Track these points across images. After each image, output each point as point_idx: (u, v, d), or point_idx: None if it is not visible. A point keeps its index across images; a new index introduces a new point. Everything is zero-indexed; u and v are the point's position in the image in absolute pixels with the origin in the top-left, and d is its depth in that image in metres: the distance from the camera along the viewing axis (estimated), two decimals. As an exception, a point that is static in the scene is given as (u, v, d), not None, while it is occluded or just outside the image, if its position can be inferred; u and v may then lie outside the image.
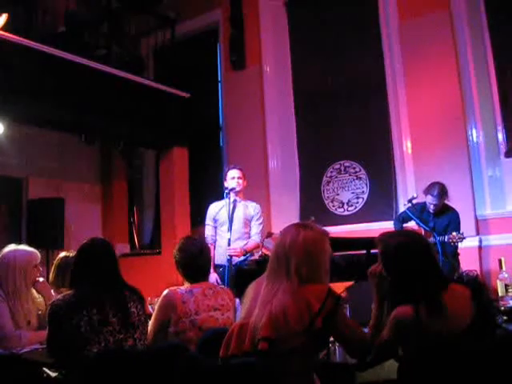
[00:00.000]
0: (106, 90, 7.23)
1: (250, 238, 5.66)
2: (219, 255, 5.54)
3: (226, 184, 5.67)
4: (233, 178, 5.63)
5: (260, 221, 5.72)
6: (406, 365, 2.21)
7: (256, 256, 5.54)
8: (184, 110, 8.35)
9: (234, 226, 5.41)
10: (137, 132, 7.93)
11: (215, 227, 5.70)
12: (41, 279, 3.92)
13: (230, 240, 5.31)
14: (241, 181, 5.63)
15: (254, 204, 5.77)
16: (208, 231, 5.73)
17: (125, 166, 9.45)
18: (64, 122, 7.10)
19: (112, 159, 9.31)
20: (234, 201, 5.55)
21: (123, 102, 7.41)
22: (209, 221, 5.75)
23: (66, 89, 6.63)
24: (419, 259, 2.47)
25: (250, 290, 2.56)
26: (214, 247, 5.61)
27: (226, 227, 5.43)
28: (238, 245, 5.43)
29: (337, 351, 2.81)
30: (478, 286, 2.46)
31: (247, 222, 5.66)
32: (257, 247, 5.56)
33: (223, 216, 5.55)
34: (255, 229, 5.68)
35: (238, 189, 5.58)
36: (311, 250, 2.46)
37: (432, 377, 2.12)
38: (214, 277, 5.38)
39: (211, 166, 8.79)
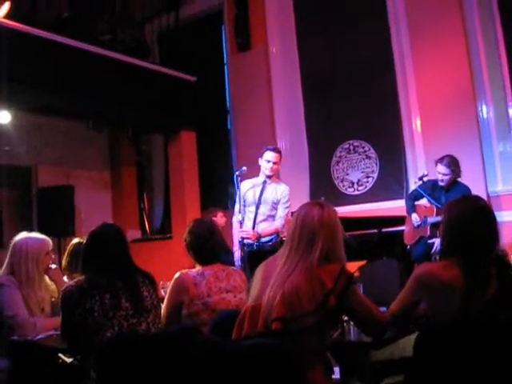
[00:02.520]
0: (111, 75, 7.21)
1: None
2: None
3: (259, 162, 5.41)
4: (268, 162, 5.34)
5: (287, 204, 5.41)
6: (422, 341, 2.20)
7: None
8: (191, 93, 8.32)
9: (260, 208, 5.30)
10: (144, 117, 7.92)
11: (244, 206, 5.43)
12: (53, 266, 3.94)
13: (243, 222, 5.25)
14: (275, 166, 5.35)
15: (283, 186, 5.48)
16: (237, 208, 5.47)
17: (133, 152, 9.47)
18: (70, 109, 7.10)
19: (120, 145, 9.32)
20: (264, 182, 5.38)
21: (129, 88, 7.39)
22: (239, 198, 5.44)
23: (72, 76, 6.61)
24: (489, 226, 2.47)
25: (261, 271, 2.54)
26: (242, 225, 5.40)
27: (252, 208, 5.33)
28: (262, 227, 5.31)
29: (351, 330, 2.80)
30: (506, 266, 2.43)
31: (274, 206, 5.40)
32: (275, 232, 5.33)
33: (250, 196, 5.39)
34: (280, 212, 5.39)
35: (270, 174, 5.34)
36: (335, 228, 2.46)
37: (449, 353, 2.11)
38: (237, 255, 5.28)
39: (220, 150, 8.78)
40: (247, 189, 5.43)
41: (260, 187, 5.35)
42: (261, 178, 5.40)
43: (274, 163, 5.34)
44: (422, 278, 2.43)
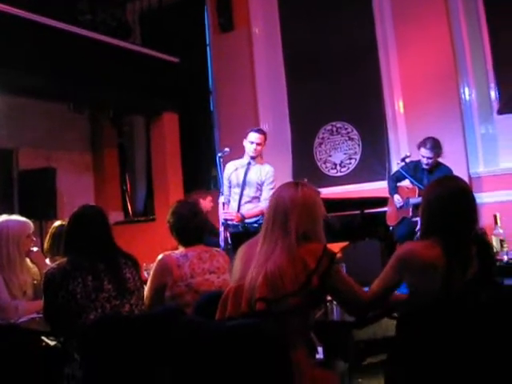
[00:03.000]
0: (92, 56, 7.13)
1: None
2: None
3: (244, 143, 5.37)
4: (252, 143, 5.29)
5: (271, 185, 5.31)
6: (404, 320, 2.22)
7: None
8: (173, 74, 8.26)
9: (245, 189, 5.28)
10: (125, 98, 7.86)
11: (229, 187, 5.42)
12: (35, 249, 3.90)
13: (227, 203, 5.26)
14: (259, 147, 5.29)
15: (267, 167, 5.42)
16: (223, 190, 5.43)
17: (115, 134, 9.39)
18: (50, 90, 7.02)
19: (102, 127, 9.24)
20: (249, 163, 5.34)
21: (110, 69, 7.32)
22: (224, 180, 5.41)
23: (52, 56, 6.54)
24: (469, 206, 2.49)
25: (242, 252, 2.53)
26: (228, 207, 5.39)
27: (237, 190, 5.31)
28: (246, 208, 5.28)
29: (334, 310, 2.82)
30: (485, 245, 2.45)
31: (259, 187, 5.35)
32: (260, 214, 5.22)
33: (235, 178, 5.36)
34: (265, 193, 5.30)
35: (254, 155, 5.30)
36: (310, 207, 2.43)
37: (431, 332, 2.13)
38: (222, 236, 5.20)
39: (202, 131, 8.74)
40: (231, 171, 5.41)
41: (244, 168, 5.33)
42: (245, 160, 5.38)
43: (258, 144, 5.30)
44: (403, 257, 2.44)
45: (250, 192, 5.33)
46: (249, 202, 5.33)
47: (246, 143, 5.36)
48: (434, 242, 2.40)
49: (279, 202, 2.46)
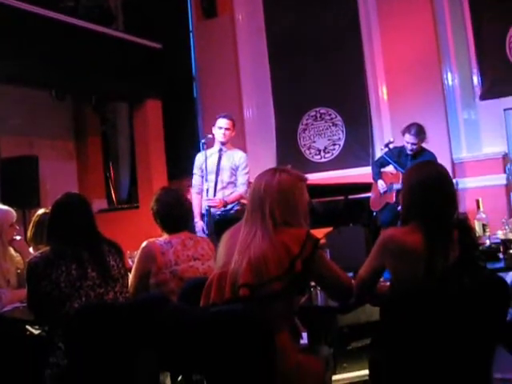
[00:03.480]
0: (74, 43, 7.05)
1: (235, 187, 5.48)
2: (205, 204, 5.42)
3: (213, 131, 5.48)
4: (220, 128, 5.40)
5: (246, 170, 5.46)
6: (388, 306, 2.23)
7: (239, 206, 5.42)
8: (156, 61, 8.20)
9: (219, 176, 5.35)
10: (108, 85, 7.80)
11: (202, 176, 5.48)
12: (18, 237, 3.88)
13: (207, 191, 5.29)
14: (228, 132, 5.40)
15: (240, 153, 5.55)
16: (195, 180, 5.57)
17: (98, 121, 9.31)
18: (31, 77, 6.94)
19: (84, 114, 9.15)
20: (220, 150, 5.42)
21: (93, 55, 7.25)
22: (196, 170, 5.56)
23: (33, 43, 6.46)
24: (448, 190, 2.51)
25: (226, 239, 2.54)
26: (202, 196, 5.46)
27: (212, 176, 5.36)
28: (223, 195, 5.36)
29: (318, 295, 2.83)
30: (467, 229, 2.46)
31: (233, 172, 5.45)
32: (240, 198, 5.38)
33: (209, 165, 5.40)
34: (241, 179, 5.44)
35: (223, 140, 5.41)
36: (286, 193, 2.44)
37: (414, 317, 2.15)
38: (200, 225, 5.35)
39: (186, 118, 8.70)
40: (202, 160, 5.48)
41: (217, 155, 5.40)
42: (216, 147, 5.47)
43: (227, 129, 5.40)
44: (384, 242, 2.45)
45: (224, 177, 5.42)
46: (224, 188, 5.41)
47: (215, 130, 5.48)
48: (414, 228, 2.41)
49: (256, 189, 2.48)
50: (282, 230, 2.37)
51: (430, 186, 2.47)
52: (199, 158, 5.55)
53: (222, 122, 5.41)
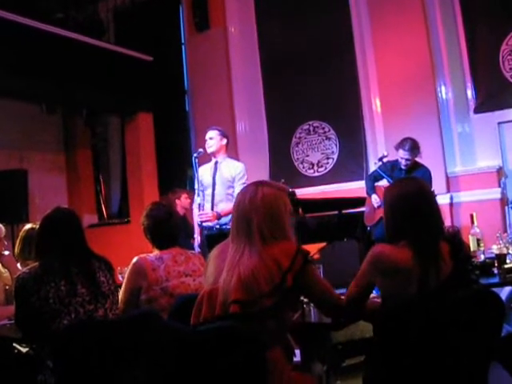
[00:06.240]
0: (64, 55, 7.07)
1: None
2: None
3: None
4: (206, 141, 5.47)
5: (242, 180, 5.38)
6: (381, 322, 2.23)
7: None
8: (147, 74, 8.23)
9: (216, 188, 5.34)
10: (99, 98, 7.81)
11: (202, 191, 5.45)
12: (6, 253, 3.86)
13: (200, 206, 5.27)
14: (212, 141, 5.41)
15: (236, 164, 5.54)
16: (195, 195, 5.54)
17: (89, 135, 9.31)
18: (21, 90, 6.93)
19: (75, 128, 9.16)
20: (216, 162, 5.42)
21: (84, 68, 7.27)
22: (196, 185, 5.51)
23: (22, 55, 6.47)
24: (432, 205, 2.50)
25: (215, 254, 2.53)
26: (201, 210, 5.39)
27: (209, 191, 5.37)
28: (220, 207, 5.32)
29: (312, 311, 2.82)
30: (458, 242, 2.46)
31: (230, 184, 5.41)
32: None
33: (206, 179, 5.42)
34: (237, 190, 5.13)
35: (210, 150, 5.43)
36: (271, 207, 2.43)
37: (408, 334, 2.15)
38: (197, 241, 5.37)
39: (178, 132, 8.72)
40: (203, 172, 5.48)
41: (212, 168, 5.39)
42: (212, 161, 5.45)
43: (210, 139, 5.43)
44: (375, 260, 2.44)
45: (221, 190, 5.40)
46: (221, 200, 5.37)
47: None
48: (403, 245, 2.40)
49: (240, 206, 2.47)
50: (272, 245, 2.37)
51: (409, 202, 2.46)
52: (199, 172, 5.51)
53: (207, 134, 5.48)
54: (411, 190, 2.50)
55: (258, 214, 2.41)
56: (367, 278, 2.46)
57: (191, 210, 6.17)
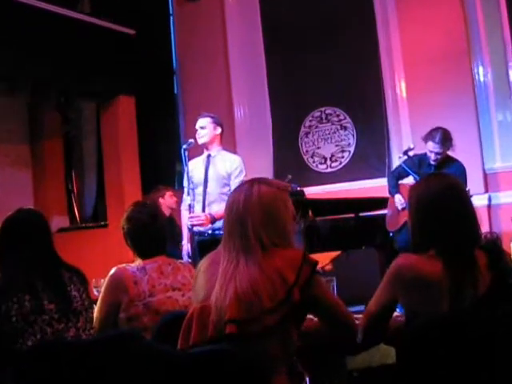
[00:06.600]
0: (32, 28, 7.07)
1: None
2: None
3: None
4: (196, 130, 5.47)
5: (240, 177, 5.35)
6: (406, 346, 2.23)
7: None
8: (129, 50, 8.23)
9: (208, 186, 5.35)
10: (71, 78, 7.82)
11: (192, 189, 5.45)
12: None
13: (190, 207, 5.27)
14: (204, 131, 5.42)
15: (232, 157, 5.54)
16: (185, 194, 5.49)
17: (59, 122, 9.31)
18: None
19: (42, 114, 9.15)
20: (208, 156, 5.44)
21: (54, 43, 7.27)
22: (185, 182, 5.48)
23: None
24: (466, 207, 2.49)
25: (205, 265, 2.53)
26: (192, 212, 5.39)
27: (200, 189, 5.38)
28: (213, 209, 5.32)
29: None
30: (497, 251, 2.46)
31: (225, 181, 5.42)
32: None
33: (197, 175, 5.44)
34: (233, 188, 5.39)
35: (201, 141, 5.44)
36: (269, 209, 2.43)
37: (438, 360, 2.15)
38: (186, 249, 5.40)
39: (164, 119, 8.73)
40: (193, 167, 5.47)
41: (204, 163, 5.39)
42: (204, 154, 5.45)
43: (202, 128, 5.43)
44: (398, 272, 2.43)
45: (214, 189, 5.39)
46: (214, 201, 5.35)
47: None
48: (433, 255, 2.40)
49: (233, 208, 2.46)
50: (273, 253, 2.37)
51: (440, 203, 2.45)
52: (189, 167, 5.47)
53: (197, 123, 5.49)
54: (441, 189, 2.50)
55: (253, 216, 2.40)
56: (389, 294, 2.46)
57: (178, 210, 6.17)
